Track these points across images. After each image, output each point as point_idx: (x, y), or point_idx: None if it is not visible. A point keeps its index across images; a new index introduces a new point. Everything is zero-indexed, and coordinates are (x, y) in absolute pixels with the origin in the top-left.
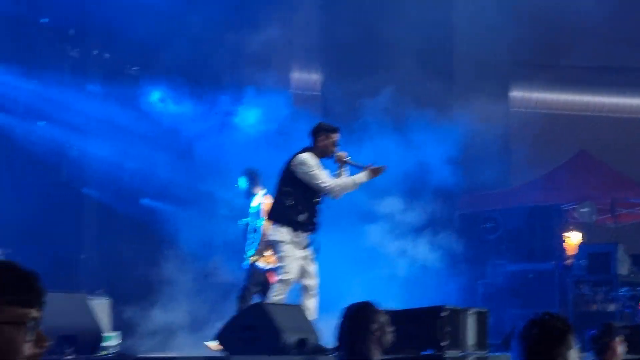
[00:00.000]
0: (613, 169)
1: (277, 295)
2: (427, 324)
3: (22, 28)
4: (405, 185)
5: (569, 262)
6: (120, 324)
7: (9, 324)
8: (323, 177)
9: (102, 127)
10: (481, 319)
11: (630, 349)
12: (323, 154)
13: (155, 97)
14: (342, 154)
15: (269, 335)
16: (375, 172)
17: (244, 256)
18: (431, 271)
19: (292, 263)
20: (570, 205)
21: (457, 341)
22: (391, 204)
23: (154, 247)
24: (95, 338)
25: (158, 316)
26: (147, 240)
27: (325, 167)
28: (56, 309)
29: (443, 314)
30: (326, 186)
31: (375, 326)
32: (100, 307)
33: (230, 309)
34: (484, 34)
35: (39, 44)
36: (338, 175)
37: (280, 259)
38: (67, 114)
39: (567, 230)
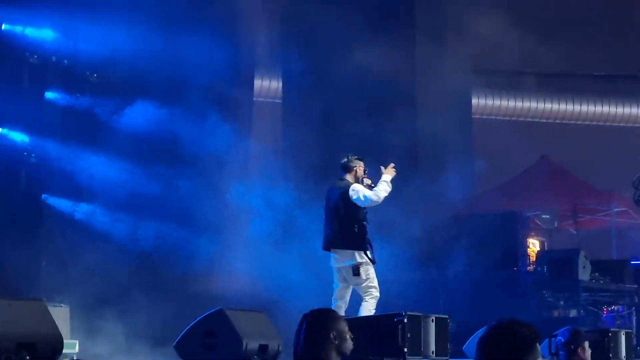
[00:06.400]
0: (575, 176)
1: (373, 309)
2: (387, 331)
3: None
4: None
5: (531, 268)
6: (80, 331)
7: None
8: (370, 193)
9: (62, 134)
10: (442, 325)
11: (595, 354)
12: (356, 180)
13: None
14: (368, 180)
15: (230, 341)
16: (393, 170)
17: None
18: (393, 277)
19: (376, 280)
20: (533, 212)
21: (418, 347)
22: None
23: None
24: (55, 345)
25: (117, 323)
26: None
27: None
28: (15, 316)
29: (404, 320)
30: (376, 198)
31: (334, 333)
32: (60, 314)
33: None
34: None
35: None
36: None
37: (369, 279)
38: (26, 121)
39: (530, 236)
